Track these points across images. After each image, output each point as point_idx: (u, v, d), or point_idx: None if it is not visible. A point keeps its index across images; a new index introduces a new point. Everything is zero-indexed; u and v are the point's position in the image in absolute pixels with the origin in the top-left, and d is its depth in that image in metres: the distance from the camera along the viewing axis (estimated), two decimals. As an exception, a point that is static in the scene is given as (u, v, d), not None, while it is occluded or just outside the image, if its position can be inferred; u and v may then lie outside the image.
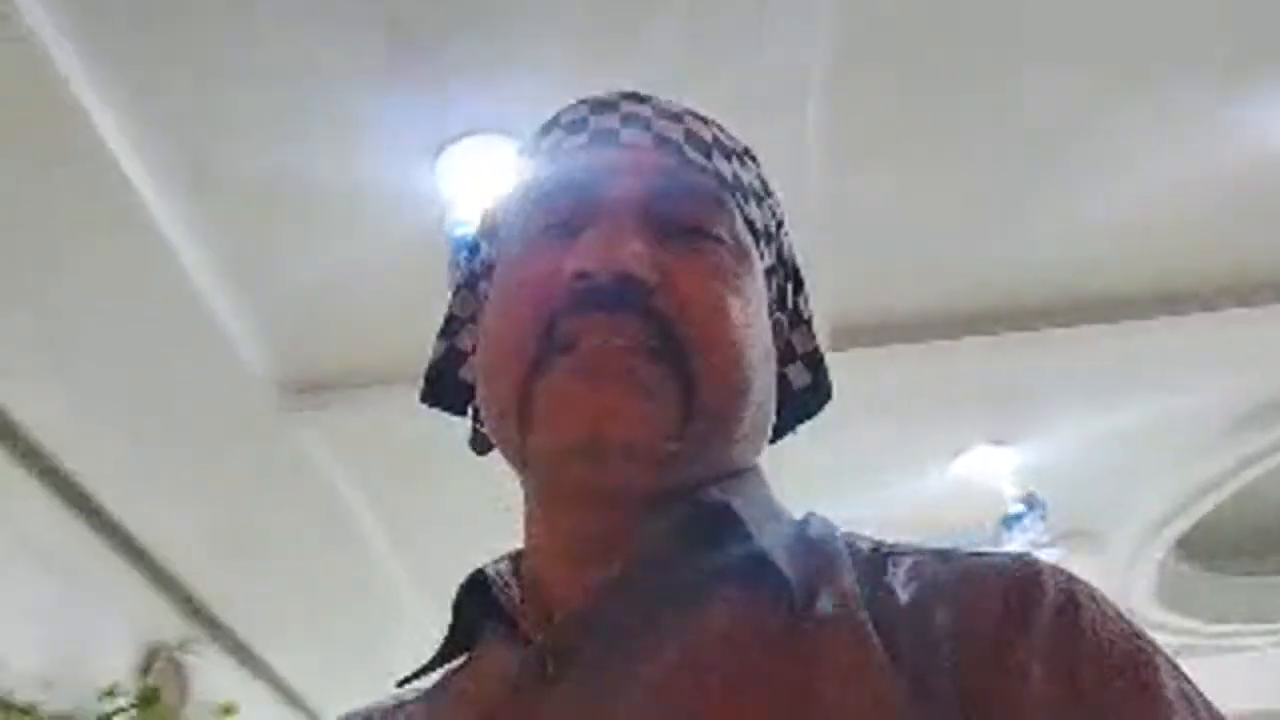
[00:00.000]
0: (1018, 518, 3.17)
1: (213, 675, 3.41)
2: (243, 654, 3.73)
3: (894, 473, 3.31)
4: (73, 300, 2.20)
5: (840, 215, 2.29)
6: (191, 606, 3.37)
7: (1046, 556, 2.41)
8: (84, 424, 2.55)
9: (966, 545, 0.55)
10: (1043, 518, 3.25)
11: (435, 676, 0.60)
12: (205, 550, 3.10)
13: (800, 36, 1.89)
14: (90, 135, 1.82)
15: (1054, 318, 2.69)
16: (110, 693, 2.90)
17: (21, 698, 2.45)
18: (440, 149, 1.97)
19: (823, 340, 2.28)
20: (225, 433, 2.66)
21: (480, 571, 0.58)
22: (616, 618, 0.50)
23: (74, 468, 2.70)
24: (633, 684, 0.48)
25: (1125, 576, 4.16)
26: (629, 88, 0.63)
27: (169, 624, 3.34)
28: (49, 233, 2.03)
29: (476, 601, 0.57)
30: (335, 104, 1.93)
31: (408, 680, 0.61)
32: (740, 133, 0.65)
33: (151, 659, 3.20)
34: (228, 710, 3.28)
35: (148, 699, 3.04)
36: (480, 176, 1.95)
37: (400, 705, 0.60)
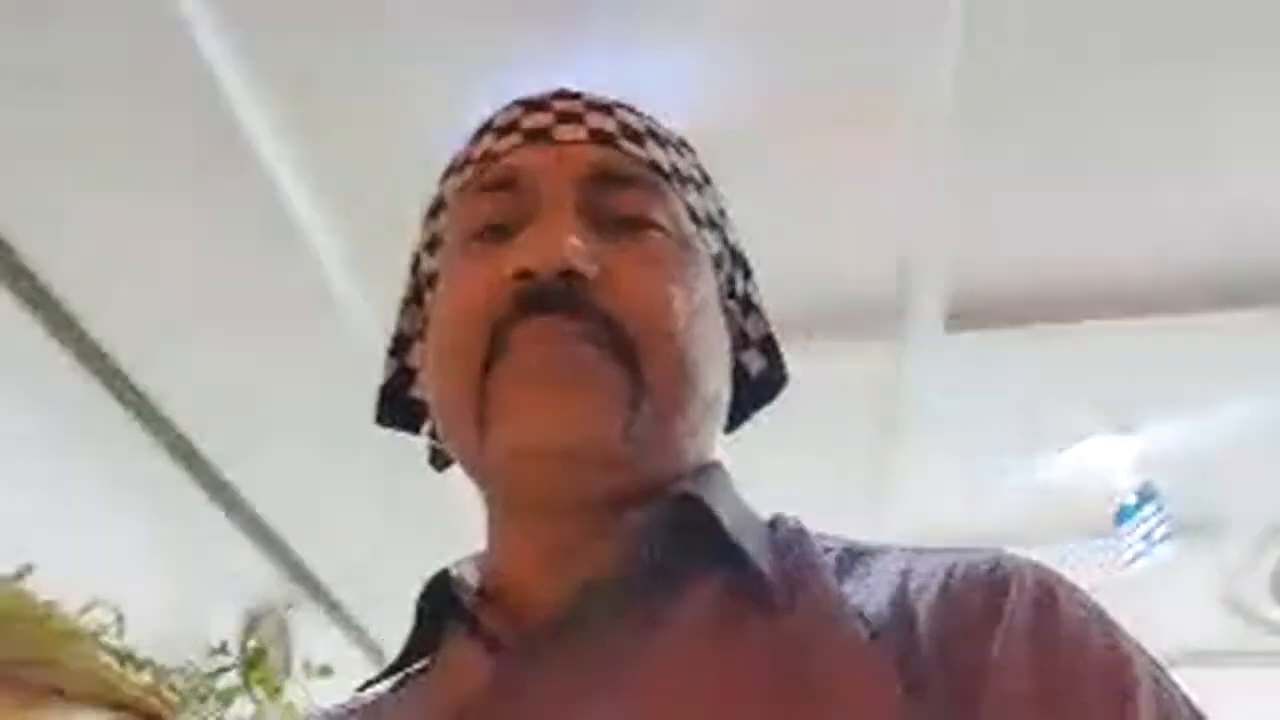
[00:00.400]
0: (1134, 508, 3.03)
1: (313, 637, 3.49)
2: (341, 618, 3.81)
3: (1006, 461, 3.19)
4: (190, 274, 2.24)
5: (962, 192, 2.19)
6: (296, 570, 3.45)
7: (1160, 550, 2.32)
8: (206, 393, 2.61)
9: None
10: (1159, 509, 3.11)
11: (390, 682, 0.59)
12: (312, 514, 3.16)
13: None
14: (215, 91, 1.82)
15: (1188, 302, 2.54)
16: (220, 651, 2.99)
17: (140, 653, 2.53)
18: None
19: (939, 323, 2.19)
20: (335, 401, 2.69)
21: (444, 572, 0.57)
22: (593, 619, 0.49)
23: (195, 433, 2.77)
24: (613, 686, 0.46)
25: (1240, 572, 3.99)
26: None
27: (275, 586, 3.43)
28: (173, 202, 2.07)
29: (440, 603, 0.56)
30: (493, 83, 1.90)
31: (369, 685, 0.60)
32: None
33: (257, 620, 3.28)
34: (325, 672, 3.35)
35: (252, 661, 3.12)
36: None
37: (354, 711, 0.60)
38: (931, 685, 0.44)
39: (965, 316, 2.48)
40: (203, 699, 2.82)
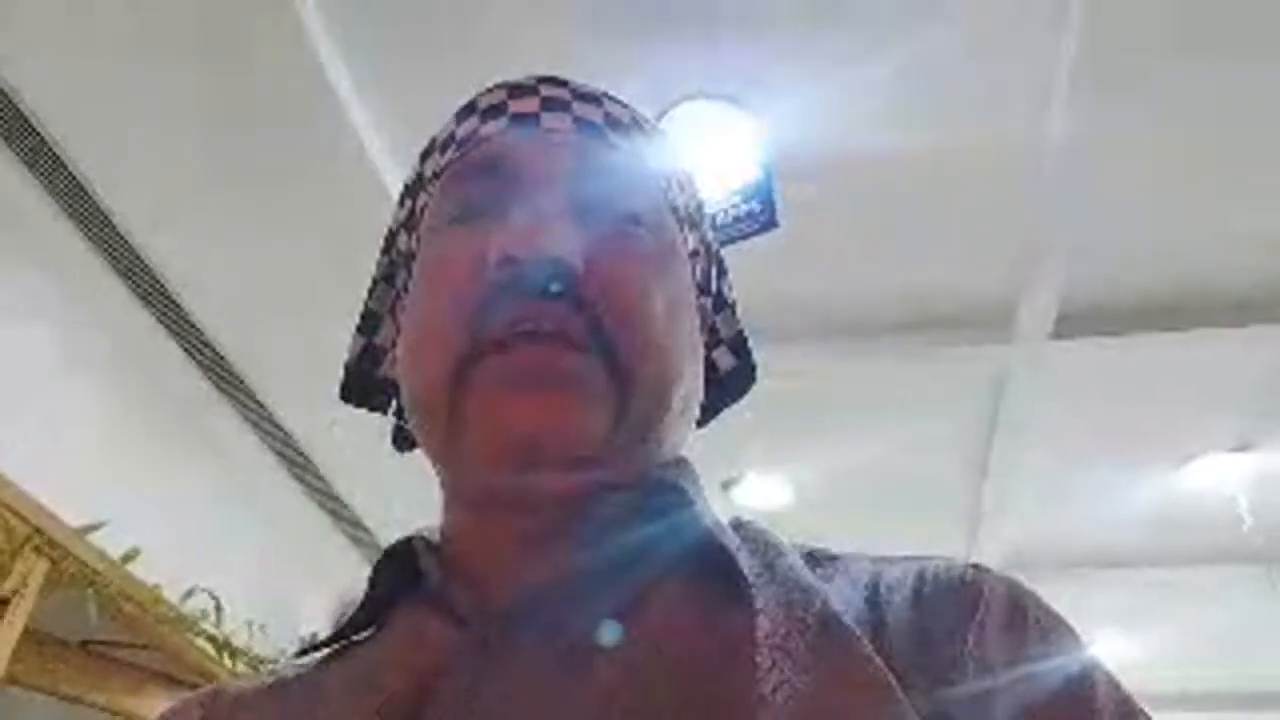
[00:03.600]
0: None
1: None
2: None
3: (1115, 478, 3.06)
4: (293, 262, 2.29)
5: (1078, 190, 2.11)
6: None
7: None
8: (305, 383, 2.66)
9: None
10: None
11: (323, 652, 0.57)
12: (403, 509, 3.20)
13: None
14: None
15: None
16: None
17: (236, 640, 2.59)
18: (661, 113, 1.91)
19: (1048, 328, 2.14)
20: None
21: (406, 542, 0.55)
22: (566, 601, 0.48)
23: (300, 436, 2.82)
24: (586, 670, 0.45)
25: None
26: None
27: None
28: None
29: (397, 574, 0.55)
30: (556, 68, 1.91)
31: (306, 651, 0.58)
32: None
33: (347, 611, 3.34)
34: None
35: (341, 652, 3.17)
36: (701, 142, 1.89)
37: (283, 682, 0.56)
38: (907, 682, 0.44)
39: (1074, 322, 2.39)
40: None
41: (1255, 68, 1.88)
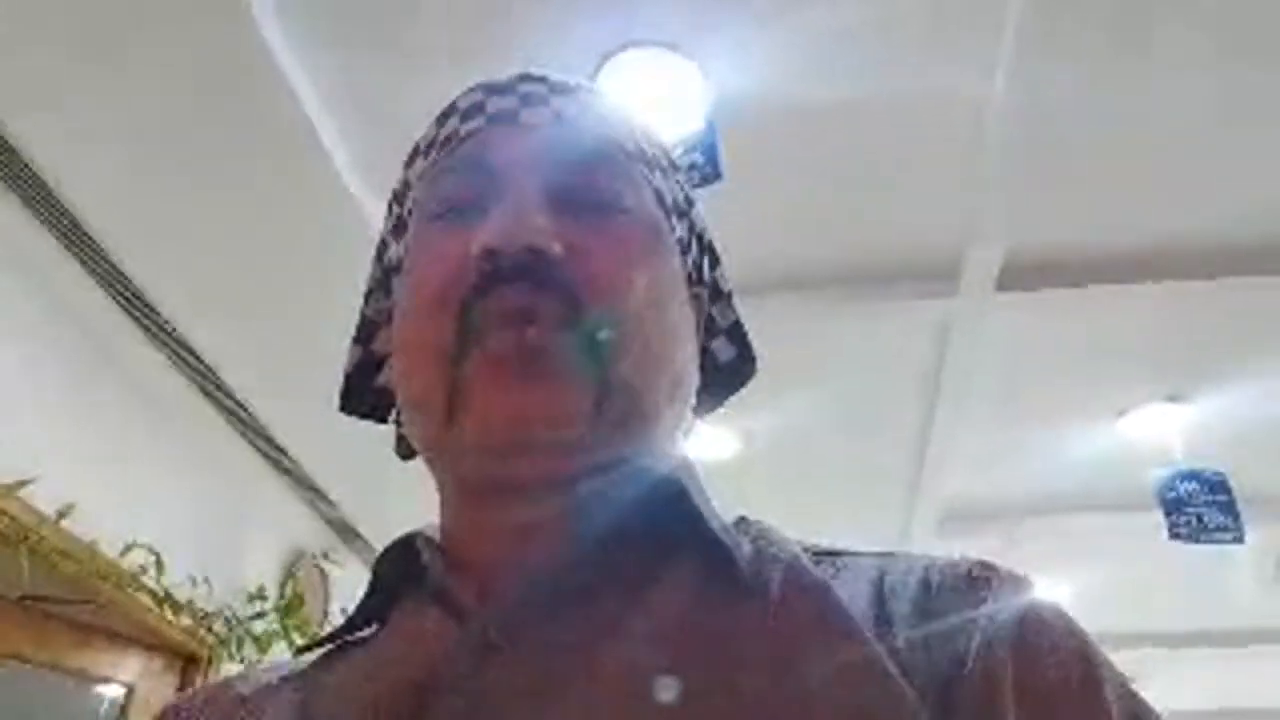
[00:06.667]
0: (1181, 483, 2.95)
1: (350, 584, 3.53)
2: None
3: (1054, 430, 3.13)
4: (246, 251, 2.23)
5: (1024, 144, 2.11)
6: (334, 518, 3.49)
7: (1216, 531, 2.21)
8: (250, 344, 2.62)
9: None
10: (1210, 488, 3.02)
11: (327, 649, 0.58)
12: (351, 463, 3.17)
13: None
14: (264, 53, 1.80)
15: (1242, 266, 2.44)
16: (257, 595, 3.03)
17: (178, 594, 2.57)
18: (601, 62, 1.88)
19: (990, 281, 2.13)
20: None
21: (408, 538, 0.56)
22: (566, 595, 0.48)
23: (238, 388, 2.78)
24: (585, 659, 0.45)
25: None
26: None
27: (314, 534, 3.47)
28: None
29: (399, 569, 0.56)
30: (496, 17, 1.86)
31: (305, 649, 0.59)
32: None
33: (295, 566, 3.32)
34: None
35: (290, 606, 3.16)
36: (642, 90, 1.86)
37: (286, 679, 0.57)
38: (912, 676, 0.44)
39: (1018, 275, 2.41)
40: (240, 643, 2.86)
41: (1203, 28, 1.88)
